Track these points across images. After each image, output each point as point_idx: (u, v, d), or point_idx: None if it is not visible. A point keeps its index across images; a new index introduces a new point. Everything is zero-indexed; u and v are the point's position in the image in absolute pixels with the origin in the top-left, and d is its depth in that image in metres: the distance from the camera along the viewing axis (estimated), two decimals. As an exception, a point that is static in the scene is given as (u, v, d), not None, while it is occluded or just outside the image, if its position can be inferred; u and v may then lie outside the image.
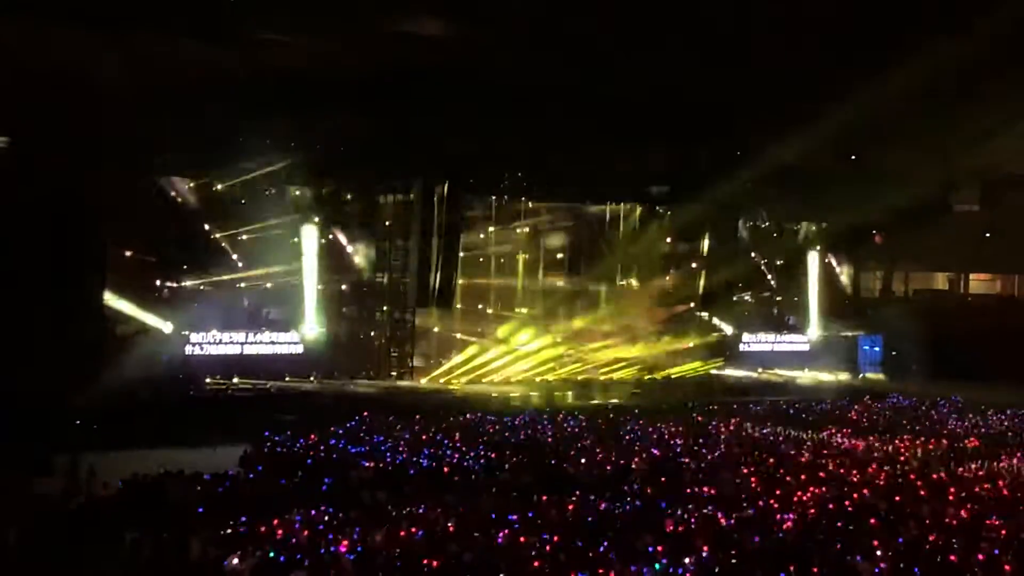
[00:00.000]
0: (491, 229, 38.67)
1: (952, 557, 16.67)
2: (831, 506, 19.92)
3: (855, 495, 20.95)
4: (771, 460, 24.83)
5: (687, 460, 24.62)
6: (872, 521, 18.64)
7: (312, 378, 34.03)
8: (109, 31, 26.52)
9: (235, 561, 15.31)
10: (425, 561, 15.38)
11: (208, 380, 32.27)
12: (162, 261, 31.94)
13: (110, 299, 30.52)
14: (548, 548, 16.37)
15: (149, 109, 28.32)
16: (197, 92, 28.21)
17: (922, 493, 21.39)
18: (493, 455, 24.08)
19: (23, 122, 27.80)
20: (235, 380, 32.75)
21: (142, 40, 27.54)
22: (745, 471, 23.20)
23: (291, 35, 29.09)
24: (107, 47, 26.66)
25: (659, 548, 16.44)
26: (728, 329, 42.36)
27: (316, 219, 34.35)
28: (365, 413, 28.46)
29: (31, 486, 20.17)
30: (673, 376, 39.88)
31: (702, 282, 40.95)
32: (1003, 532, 18.19)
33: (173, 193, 32.13)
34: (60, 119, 27.56)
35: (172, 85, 27.97)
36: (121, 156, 30.18)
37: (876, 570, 15.96)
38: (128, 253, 31.27)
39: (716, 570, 15.66)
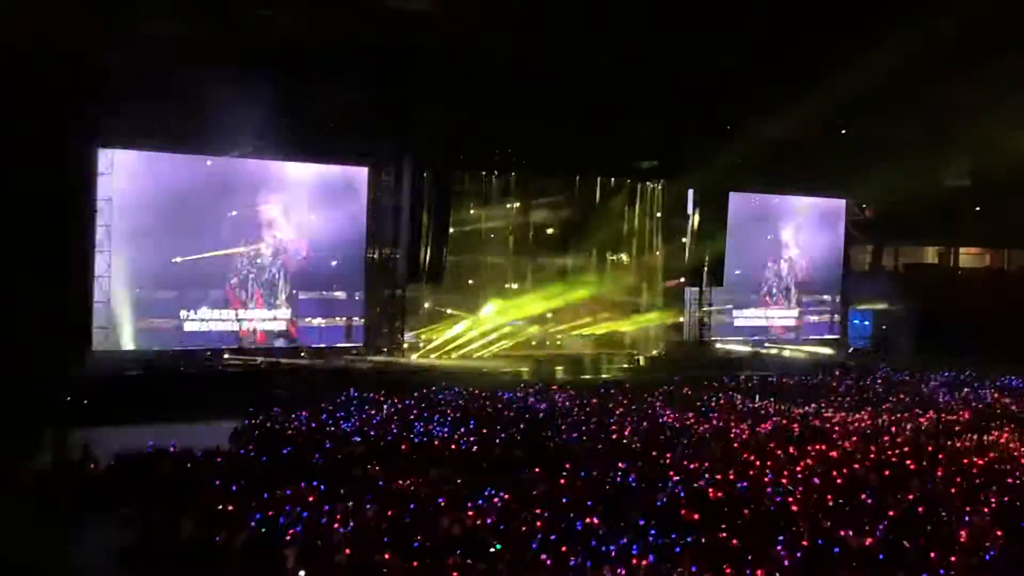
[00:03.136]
0: (481, 205, 38.58)
1: (943, 529, 16.78)
2: (819, 480, 20.00)
3: (845, 468, 21.02)
4: (761, 433, 24.93)
5: (678, 434, 24.69)
6: (862, 495, 18.72)
7: (302, 354, 34.05)
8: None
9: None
10: (417, 536, 15.42)
11: (201, 356, 32.29)
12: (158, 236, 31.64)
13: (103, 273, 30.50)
14: (539, 523, 16.43)
15: (141, 83, 28.28)
16: (190, 64, 28.11)
17: (912, 466, 21.47)
18: (484, 430, 24.11)
19: (12, 93, 27.66)
20: (225, 356, 32.78)
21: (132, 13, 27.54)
22: (736, 445, 23.28)
23: (282, 8, 29.05)
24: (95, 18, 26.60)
25: (650, 522, 16.52)
26: (719, 303, 42.30)
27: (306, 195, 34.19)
28: (352, 390, 28.39)
29: (20, 463, 20.15)
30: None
31: (692, 257, 40.93)
32: (992, 504, 18.28)
33: (169, 167, 31.88)
34: (50, 92, 27.45)
35: (165, 59, 27.90)
36: (114, 131, 30.08)
37: (867, 542, 16.04)
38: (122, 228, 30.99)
39: (707, 544, 15.71)
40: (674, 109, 35.54)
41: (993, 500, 18.64)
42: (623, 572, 14.24)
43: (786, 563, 14.90)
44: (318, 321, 34.63)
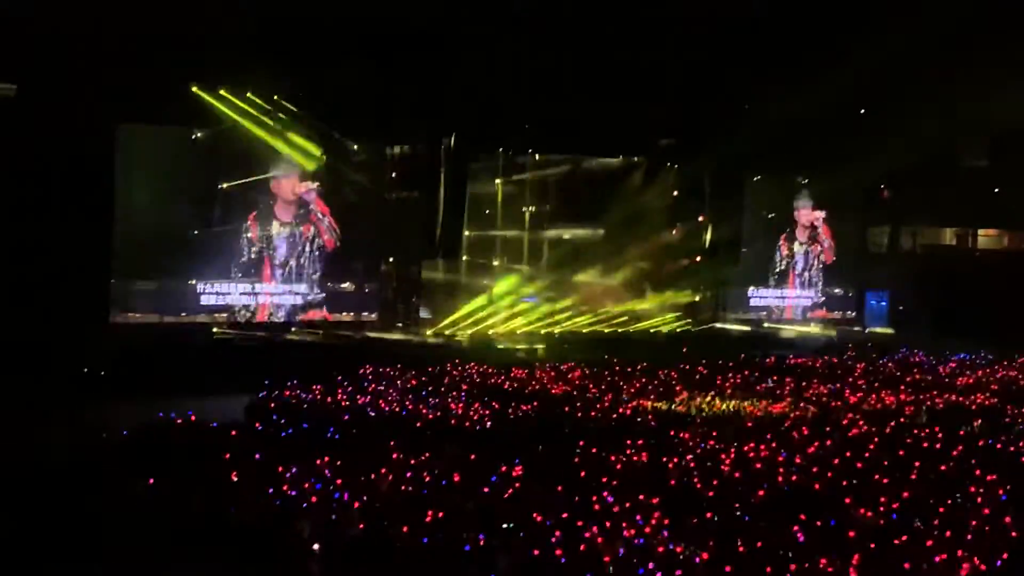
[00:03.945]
0: (497, 181, 38.50)
1: (957, 511, 16.73)
2: (836, 460, 19.97)
3: (860, 449, 20.98)
4: (776, 412, 24.91)
5: (692, 413, 24.69)
6: (876, 476, 18.69)
7: (318, 329, 34.08)
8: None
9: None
10: (430, 511, 15.44)
11: (215, 329, 32.36)
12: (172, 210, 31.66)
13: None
14: (551, 499, 16.43)
15: (161, 57, 28.31)
16: (210, 38, 28.13)
17: (926, 447, 21.42)
18: (498, 406, 24.14)
19: (31, 68, 27.71)
20: (242, 330, 32.84)
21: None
22: (750, 424, 23.26)
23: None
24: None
25: (665, 499, 16.52)
26: (735, 283, 42.19)
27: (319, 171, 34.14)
28: (368, 367, 28.41)
29: (35, 435, 20.24)
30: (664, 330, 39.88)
31: (708, 236, 40.83)
32: (1008, 486, 18.23)
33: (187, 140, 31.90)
34: (69, 66, 27.49)
35: (184, 31, 27.92)
36: (133, 103, 30.08)
37: (880, 522, 16.02)
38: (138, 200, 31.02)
39: (720, 523, 15.70)
40: (693, 88, 35.44)
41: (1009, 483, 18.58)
42: (637, 549, 14.23)
43: (801, 540, 14.88)
44: (333, 295, 34.60)
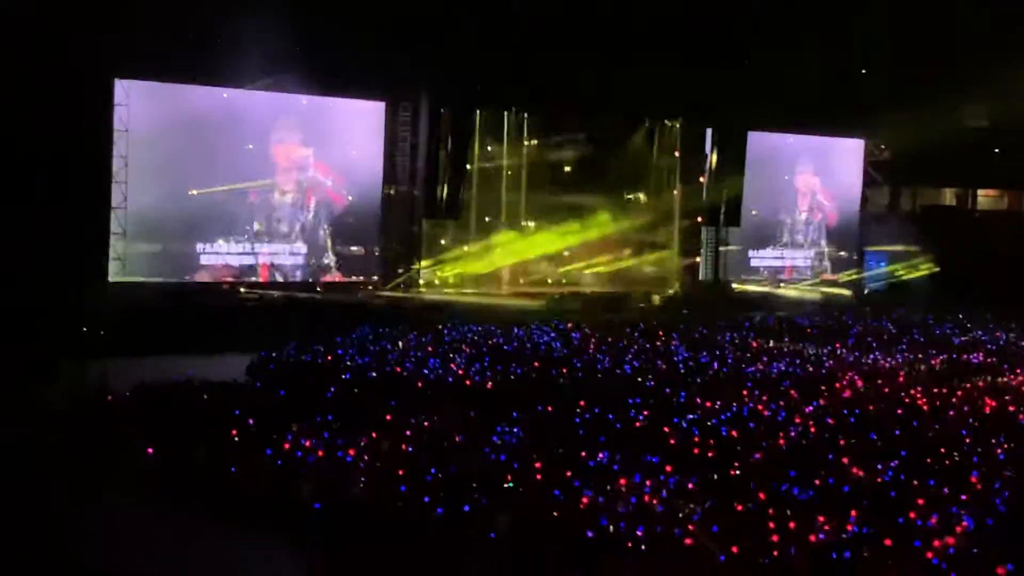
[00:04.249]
0: (499, 141, 38.45)
1: (953, 470, 16.81)
2: (832, 419, 20.04)
3: (858, 409, 21.05)
4: (776, 372, 24.98)
5: (692, 373, 24.74)
6: (873, 435, 18.76)
7: (318, 289, 34.13)
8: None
9: None
10: (431, 470, 15.51)
11: (216, 289, 32.38)
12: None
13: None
14: (552, 459, 16.50)
15: (157, 13, 28.19)
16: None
17: (924, 407, 21.49)
18: (499, 366, 24.20)
19: (27, 24, 27.57)
20: (241, 289, 32.88)
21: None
22: (749, 384, 23.32)
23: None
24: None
25: (664, 459, 16.59)
26: (736, 243, 42.20)
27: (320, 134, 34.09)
28: (368, 325, 28.44)
29: (37, 393, 20.29)
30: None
31: (710, 196, 40.77)
32: (1005, 446, 18.30)
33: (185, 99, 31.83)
34: (67, 22, 27.39)
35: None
36: (130, 61, 29.97)
37: (877, 481, 16.09)
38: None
39: (719, 481, 15.77)
40: (693, 47, 35.29)
41: (1005, 441, 18.65)
42: (636, 508, 14.30)
43: (800, 498, 14.96)
44: (334, 255, 34.62)
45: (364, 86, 34.16)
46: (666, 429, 18.76)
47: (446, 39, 32.61)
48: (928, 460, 17.20)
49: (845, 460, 16.88)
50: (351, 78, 33.54)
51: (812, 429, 19.14)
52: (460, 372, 23.41)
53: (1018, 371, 26.29)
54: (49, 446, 17.48)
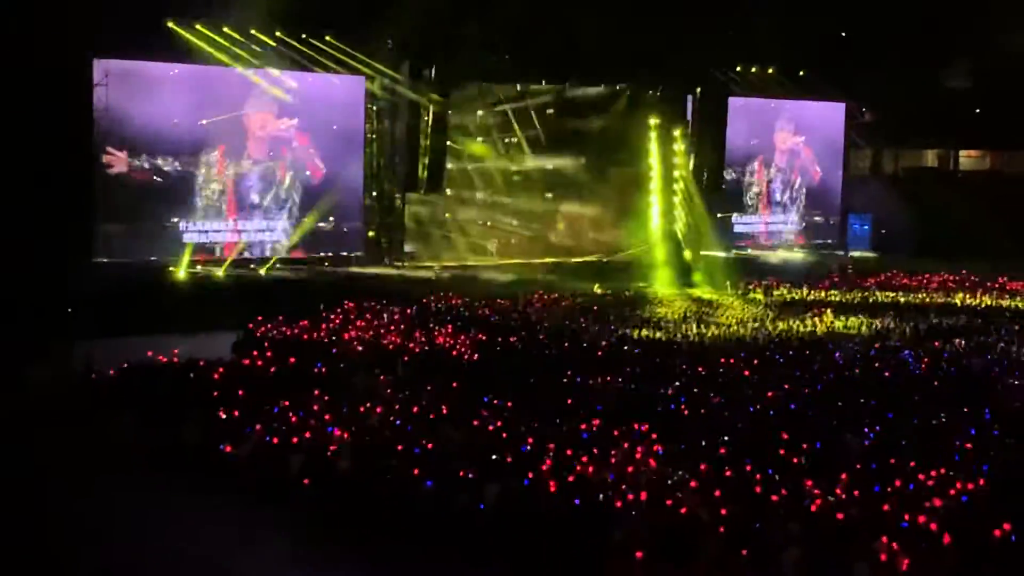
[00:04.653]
0: (479, 113, 38.33)
1: (940, 432, 16.92)
2: (821, 384, 20.13)
3: (845, 372, 21.16)
4: (762, 338, 25.08)
5: (679, 341, 24.83)
6: (861, 399, 18.85)
7: (302, 265, 34.03)
8: None
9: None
10: (420, 442, 15.54)
11: (199, 267, 32.27)
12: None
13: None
14: (540, 430, 16.55)
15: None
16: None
17: (911, 369, 21.61)
18: (484, 338, 24.23)
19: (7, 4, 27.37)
20: (226, 266, 32.77)
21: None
22: (736, 350, 23.40)
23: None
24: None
25: (654, 426, 16.66)
26: (718, 209, 42.14)
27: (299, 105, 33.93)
28: (353, 302, 28.41)
29: (25, 372, 20.25)
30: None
31: (691, 164, 40.66)
32: (990, 405, 18.41)
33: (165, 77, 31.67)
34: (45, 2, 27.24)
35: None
36: (109, 40, 29.75)
37: (865, 443, 16.19)
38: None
39: (707, 448, 15.83)
40: (670, 13, 35.17)
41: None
42: (626, 475, 14.35)
43: (794, 461, 15.05)
44: (317, 231, 34.53)
45: (343, 61, 33.94)
46: (656, 395, 18.89)
47: (423, 10, 32.42)
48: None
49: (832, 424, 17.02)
50: (330, 53, 33.33)
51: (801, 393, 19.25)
52: (447, 344, 23.44)
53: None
54: (38, 427, 17.44)
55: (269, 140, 33.43)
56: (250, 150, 33.17)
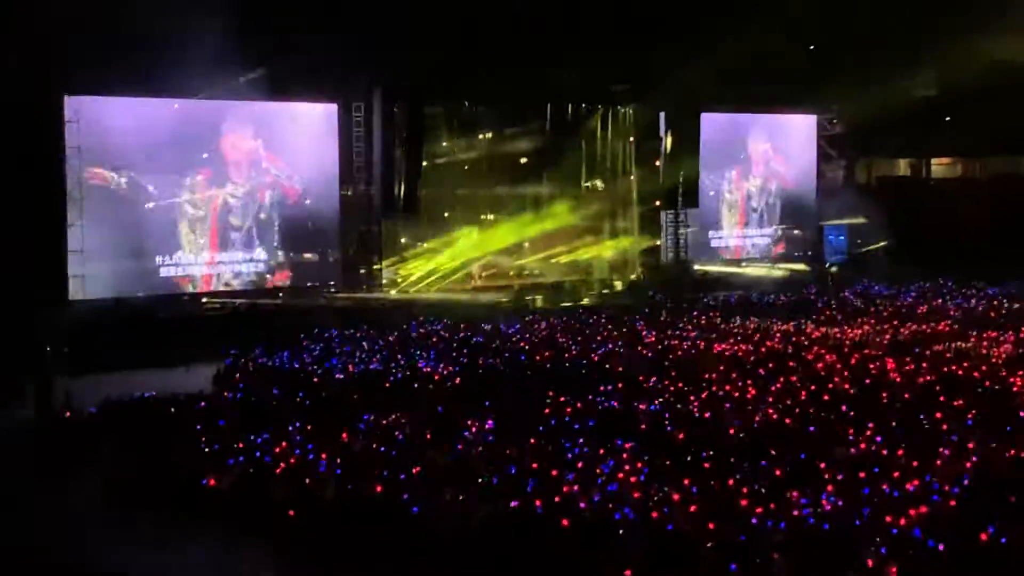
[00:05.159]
0: (454, 136, 38.34)
1: (924, 438, 16.94)
2: (803, 394, 20.15)
3: (827, 382, 21.18)
4: (742, 351, 25.08)
5: (660, 356, 24.81)
6: (843, 407, 18.88)
7: (280, 294, 33.96)
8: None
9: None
10: (405, 469, 15.49)
11: (178, 301, 32.14)
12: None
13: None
14: (526, 450, 16.52)
15: (104, 27, 27.94)
16: (153, 5, 27.81)
17: (894, 377, 21.64)
18: (466, 361, 24.19)
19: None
20: (203, 300, 32.67)
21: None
22: (719, 364, 23.40)
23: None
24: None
25: (637, 444, 16.64)
26: (695, 224, 42.23)
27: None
28: (333, 329, 28.35)
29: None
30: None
31: (666, 179, 40.77)
32: (973, 411, 18.45)
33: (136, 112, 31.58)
34: (12, 39, 27.13)
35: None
36: (79, 77, 29.67)
37: (851, 453, 16.19)
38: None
39: (692, 462, 15.82)
40: (641, 30, 35.32)
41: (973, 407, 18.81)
42: (612, 495, 14.32)
43: (777, 474, 15.04)
44: (295, 260, 34.46)
45: (315, 88, 33.93)
46: (639, 413, 18.88)
47: (396, 36, 32.46)
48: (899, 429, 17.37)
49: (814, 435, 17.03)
50: (302, 81, 33.31)
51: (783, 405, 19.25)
52: (428, 369, 23.38)
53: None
54: (15, 466, 17.35)
55: (245, 170, 33.34)
56: (226, 181, 33.07)
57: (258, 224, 33.63)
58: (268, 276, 33.99)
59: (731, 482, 14.66)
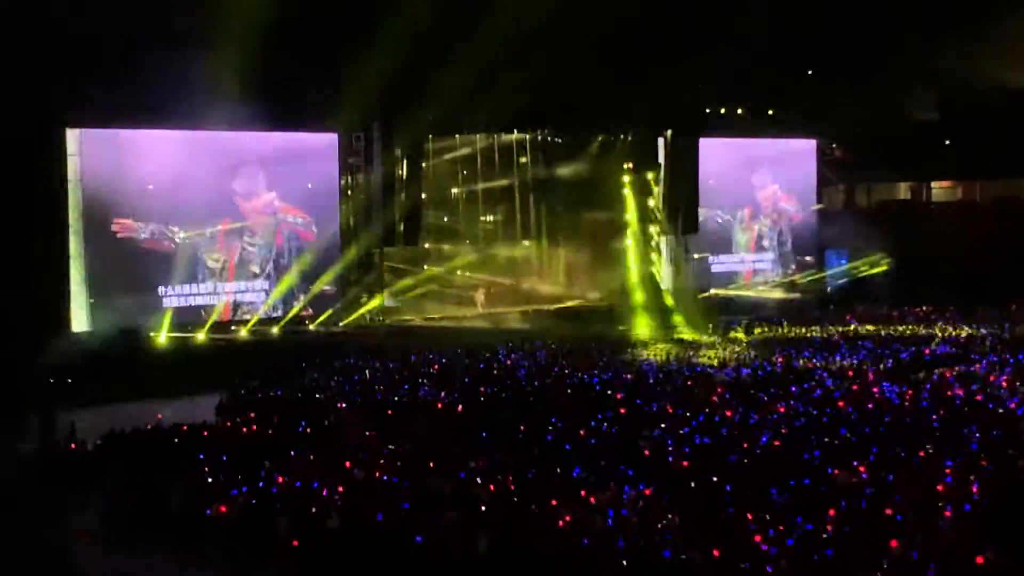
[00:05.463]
0: (453, 166, 38.40)
1: (926, 465, 16.93)
2: (806, 421, 20.14)
3: (829, 408, 21.17)
4: (745, 378, 25.08)
5: (662, 383, 24.82)
6: (845, 432, 18.87)
7: (283, 325, 33.99)
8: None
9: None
10: (407, 496, 15.50)
11: (179, 332, 32.17)
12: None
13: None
14: (528, 478, 16.53)
15: (106, 61, 28.09)
16: (154, 40, 27.97)
17: (896, 403, 21.63)
18: (467, 389, 24.20)
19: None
20: (206, 330, 32.69)
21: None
22: (720, 390, 23.40)
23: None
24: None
25: (640, 470, 16.65)
26: (695, 250, 42.29)
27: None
28: (336, 358, 28.38)
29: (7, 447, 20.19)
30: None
31: (665, 206, 40.86)
32: (976, 436, 18.45)
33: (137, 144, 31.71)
34: (15, 73, 27.23)
35: (129, 35, 27.74)
36: (81, 110, 29.80)
37: (853, 480, 16.18)
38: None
39: (696, 489, 15.82)
40: (638, 59, 35.43)
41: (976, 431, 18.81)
42: (615, 520, 14.33)
43: (778, 501, 15.04)
44: (297, 290, 34.50)
45: (316, 120, 34.03)
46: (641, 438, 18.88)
47: (394, 68, 32.55)
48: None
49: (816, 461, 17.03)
50: (302, 113, 33.42)
51: (784, 431, 19.25)
52: (429, 397, 23.39)
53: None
54: (20, 498, 17.38)
55: (245, 201, 33.41)
56: (226, 213, 33.11)
57: (258, 256, 33.67)
58: (270, 307, 34.00)
59: (735, 508, 14.65)
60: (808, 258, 45.17)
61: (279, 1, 28.57)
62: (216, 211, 32.84)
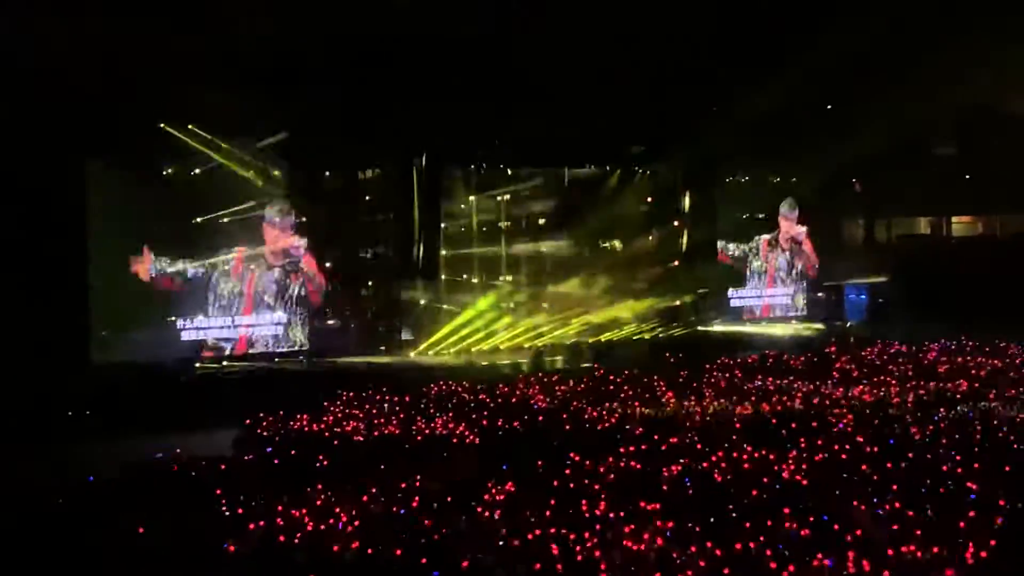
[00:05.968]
0: (471, 198, 38.51)
1: (947, 500, 16.79)
2: (823, 455, 20.01)
3: (848, 444, 21.03)
4: (763, 412, 24.94)
5: (680, 418, 24.70)
6: (864, 467, 18.74)
7: (300, 358, 34.01)
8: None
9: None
10: (426, 532, 15.43)
11: (197, 364, 32.23)
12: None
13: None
14: (547, 514, 16.43)
15: (129, 93, 28.23)
16: (176, 73, 28.09)
17: (916, 437, 21.49)
18: (485, 423, 24.12)
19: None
20: (224, 363, 32.74)
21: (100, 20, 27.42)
22: (738, 424, 23.27)
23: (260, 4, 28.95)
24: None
25: (658, 506, 16.54)
26: (714, 284, 42.27)
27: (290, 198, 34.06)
28: (352, 392, 28.33)
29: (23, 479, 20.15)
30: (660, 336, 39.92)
31: (685, 240, 40.90)
32: (995, 470, 18.29)
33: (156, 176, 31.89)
34: (38, 103, 27.41)
35: (135, 66, 27.84)
36: (102, 141, 29.93)
37: (873, 514, 16.06)
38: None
39: (715, 524, 15.71)
40: (659, 93, 35.53)
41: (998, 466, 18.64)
42: (633, 556, 14.24)
43: (795, 538, 14.91)
44: (315, 324, 34.54)
45: (333, 152, 34.15)
46: (661, 475, 18.76)
47: (412, 99, 32.68)
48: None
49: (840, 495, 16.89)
50: (319, 144, 33.55)
51: (804, 466, 19.11)
52: (447, 431, 23.32)
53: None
54: (36, 531, 17.30)
55: (263, 233, 33.52)
56: (244, 243, 33.23)
57: (275, 288, 33.75)
58: (287, 340, 34.04)
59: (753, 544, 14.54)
60: (828, 292, 45.03)
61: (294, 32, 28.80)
62: (233, 241, 32.94)
